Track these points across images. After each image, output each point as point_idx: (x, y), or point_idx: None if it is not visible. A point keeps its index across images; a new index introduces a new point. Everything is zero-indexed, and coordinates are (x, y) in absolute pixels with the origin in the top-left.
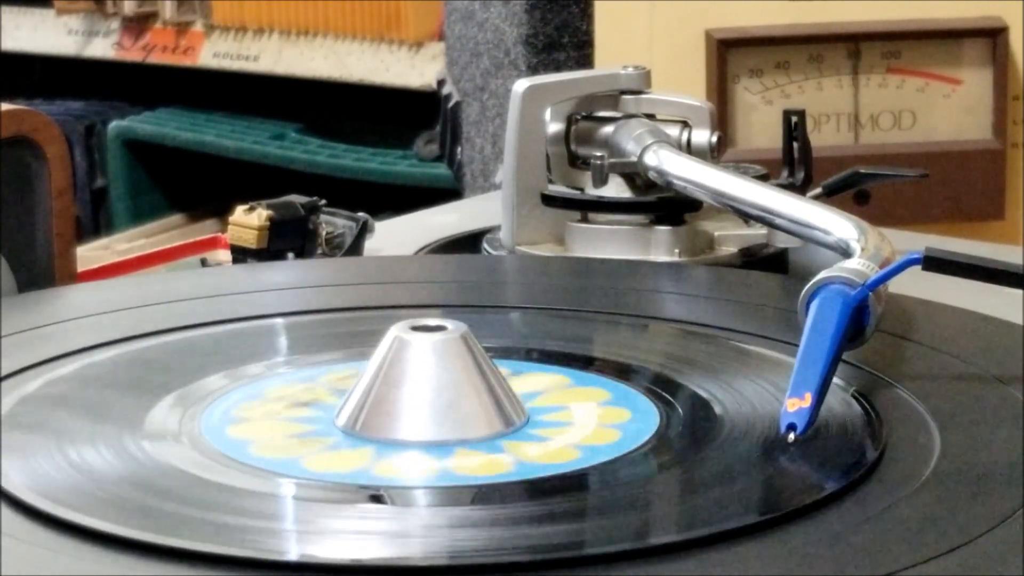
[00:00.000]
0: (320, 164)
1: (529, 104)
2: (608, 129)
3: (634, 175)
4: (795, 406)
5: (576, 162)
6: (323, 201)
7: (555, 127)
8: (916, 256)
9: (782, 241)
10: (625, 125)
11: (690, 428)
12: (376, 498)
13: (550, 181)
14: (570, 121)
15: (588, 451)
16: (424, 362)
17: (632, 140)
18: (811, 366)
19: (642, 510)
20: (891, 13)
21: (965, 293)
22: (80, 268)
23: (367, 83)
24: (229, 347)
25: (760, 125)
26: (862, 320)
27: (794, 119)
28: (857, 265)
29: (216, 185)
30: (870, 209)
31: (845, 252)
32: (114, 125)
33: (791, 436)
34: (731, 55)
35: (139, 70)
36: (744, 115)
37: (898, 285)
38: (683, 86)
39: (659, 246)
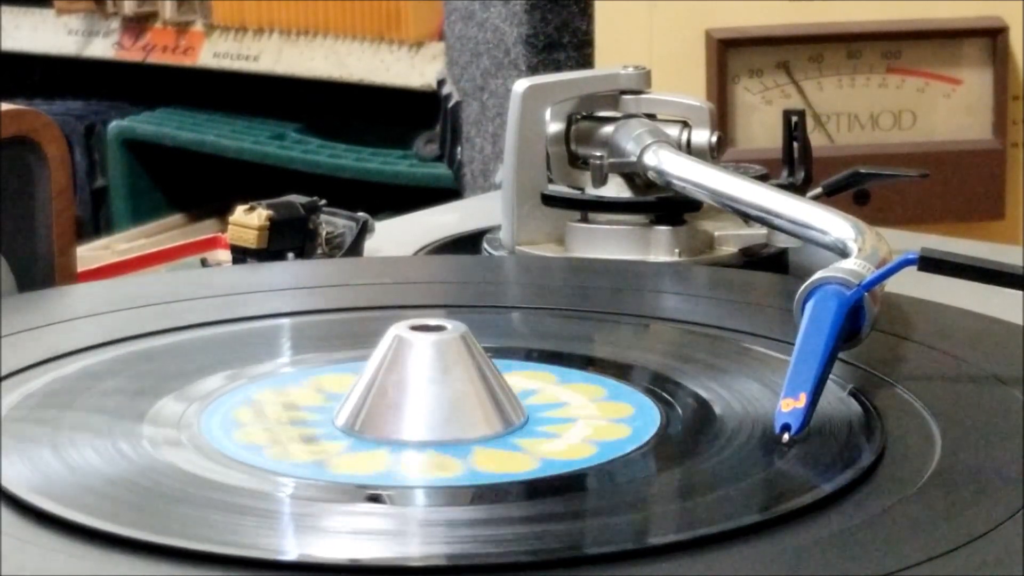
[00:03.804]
0: (320, 164)
1: (529, 104)
2: (608, 129)
3: (634, 175)
4: (790, 406)
5: (576, 162)
6: (323, 201)
7: (555, 127)
8: (912, 256)
9: (782, 241)
10: (625, 125)
11: (690, 428)
12: (376, 498)
13: (550, 181)
14: (570, 121)
15: (604, 446)
16: (424, 362)
17: (632, 140)
18: (806, 366)
19: (642, 510)
20: (891, 13)
21: (965, 293)
22: (80, 268)
23: (367, 83)
24: (229, 347)
25: (760, 125)
26: (858, 320)
27: (794, 119)
28: (853, 265)
29: (216, 185)
30: (870, 209)
31: (842, 252)
32: (114, 125)
33: (785, 436)
34: (731, 55)
35: (139, 70)
36: (744, 115)
37: (898, 285)
38: (683, 86)
39: (659, 246)
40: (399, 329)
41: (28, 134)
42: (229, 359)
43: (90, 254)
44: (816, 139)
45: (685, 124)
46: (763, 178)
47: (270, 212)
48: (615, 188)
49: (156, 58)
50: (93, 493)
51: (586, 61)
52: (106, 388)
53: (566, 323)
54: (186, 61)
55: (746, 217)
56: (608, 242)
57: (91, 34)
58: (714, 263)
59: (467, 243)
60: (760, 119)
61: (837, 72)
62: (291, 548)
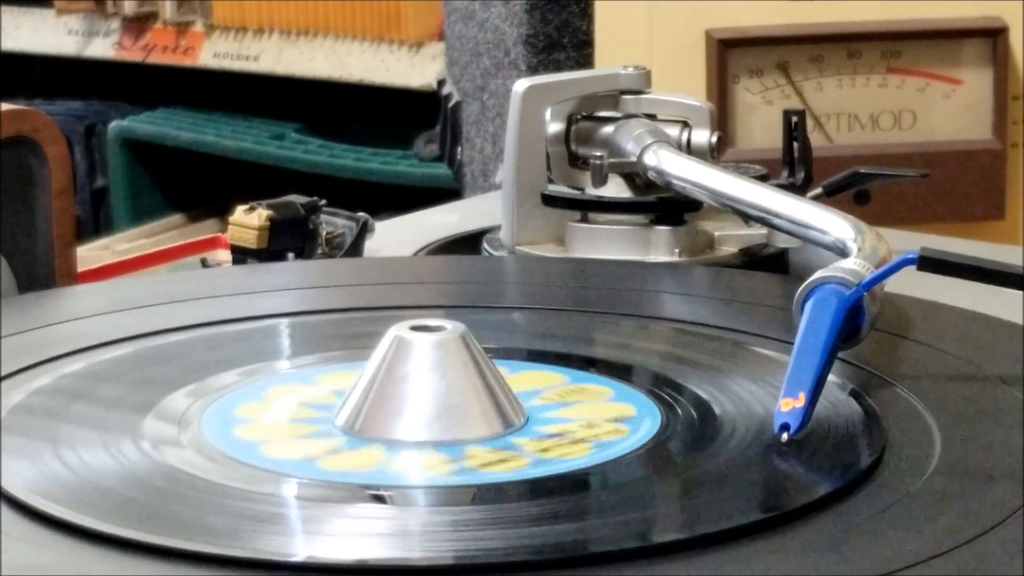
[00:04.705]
0: (320, 164)
1: (529, 104)
2: (608, 129)
3: (634, 175)
4: (789, 406)
5: (576, 162)
6: (323, 201)
7: (555, 127)
8: (911, 256)
9: (782, 241)
10: (625, 125)
11: (690, 428)
12: (379, 498)
13: (550, 181)
14: (570, 121)
15: (600, 446)
16: (424, 362)
17: (632, 140)
18: (805, 366)
19: (643, 510)
20: (891, 13)
21: (965, 293)
22: (80, 268)
23: (367, 83)
24: (229, 348)
25: (760, 125)
26: (857, 320)
27: (794, 119)
28: (853, 265)
29: (216, 185)
30: (870, 209)
31: (842, 252)
32: (114, 125)
33: (784, 436)
34: (731, 55)
35: (139, 70)
36: (744, 115)
37: (898, 285)
38: (683, 86)
39: (659, 246)
40: (399, 329)
41: (28, 134)
42: (229, 360)
43: (90, 254)
44: (814, 139)
45: (685, 124)
46: (763, 178)
47: (270, 212)
48: (615, 188)
49: (156, 58)
50: (93, 494)
51: (586, 61)
52: (106, 389)
53: (566, 323)
54: (186, 61)
55: (746, 217)
56: (608, 242)
57: (91, 34)
58: (714, 263)
59: (467, 243)
60: (760, 119)
61: (837, 72)
62: (291, 549)
